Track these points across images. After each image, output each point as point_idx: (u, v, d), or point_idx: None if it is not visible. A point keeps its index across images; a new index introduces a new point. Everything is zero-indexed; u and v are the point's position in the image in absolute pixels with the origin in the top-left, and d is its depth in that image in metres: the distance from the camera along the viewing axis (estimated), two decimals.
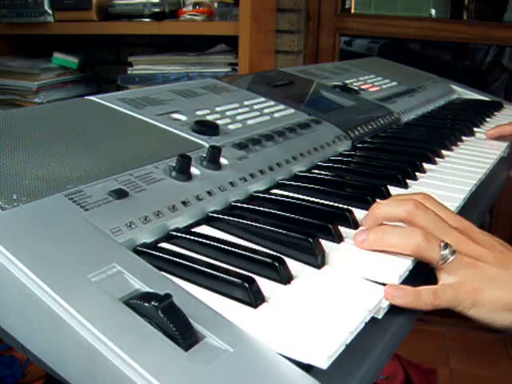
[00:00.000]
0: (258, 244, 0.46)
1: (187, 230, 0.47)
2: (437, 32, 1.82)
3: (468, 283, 0.45)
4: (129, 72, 1.58)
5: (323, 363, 0.32)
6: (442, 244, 0.44)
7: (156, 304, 0.32)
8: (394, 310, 0.41)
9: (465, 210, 0.60)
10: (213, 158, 0.55)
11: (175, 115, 0.64)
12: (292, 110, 0.78)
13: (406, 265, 0.44)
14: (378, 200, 0.55)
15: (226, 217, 0.49)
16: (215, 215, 0.50)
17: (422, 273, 0.45)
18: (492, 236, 0.50)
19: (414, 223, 0.47)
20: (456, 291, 0.44)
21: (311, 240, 0.44)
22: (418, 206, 0.47)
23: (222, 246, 0.43)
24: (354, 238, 0.47)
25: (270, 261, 0.41)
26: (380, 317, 0.39)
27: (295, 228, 0.46)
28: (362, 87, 1.03)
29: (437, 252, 0.44)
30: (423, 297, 0.42)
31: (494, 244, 0.48)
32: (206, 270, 0.39)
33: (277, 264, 0.40)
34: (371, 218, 0.49)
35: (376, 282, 0.41)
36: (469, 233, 0.48)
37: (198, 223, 0.49)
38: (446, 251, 0.44)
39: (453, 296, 0.44)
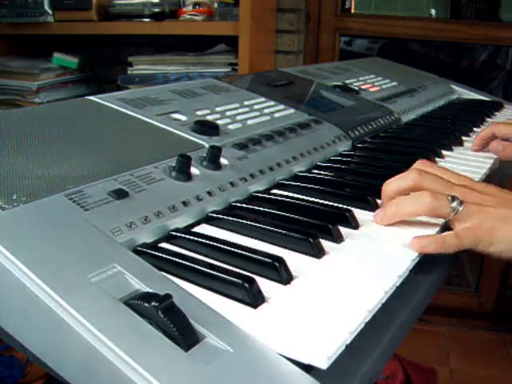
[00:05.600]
0: (258, 244, 0.46)
1: (187, 230, 0.47)
2: (437, 32, 1.82)
3: (482, 225, 0.49)
4: (129, 72, 1.58)
5: (323, 363, 0.32)
6: (450, 197, 0.49)
7: (156, 304, 0.32)
8: (393, 308, 0.40)
9: None
10: (213, 158, 0.55)
11: (175, 115, 0.64)
12: (292, 110, 0.78)
13: (407, 264, 0.44)
14: (377, 200, 0.56)
15: (226, 217, 0.49)
16: (215, 215, 0.50)
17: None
18: (492, 185, 0.55)
19: (421, 188, 0.52)
20: (474, 232, 0.49)
21: (311, 240, 0.44)
22: (420, 173, 0.53)
23: (222, 246, 0.43)
24: (374, 217, 0.52)
25: (270, 261, 0.41)
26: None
27: (295, 228, 0.46)
28: (362, 87, 1.03)
29: (447, 206, 0.49)
30: (448, 241, 0.48)
31: (495, 191, 0.53)
32: (206, 270, 0.39)
33: (277, 264, 0.40)
34: (384, 197, 0.54)
35: (376, 282, 0.41)
36: (471, 186, 0.54)
37: (198, 223, 0.49)
38: (455, 203, 0.49)
39: (472, 236, 0.49)
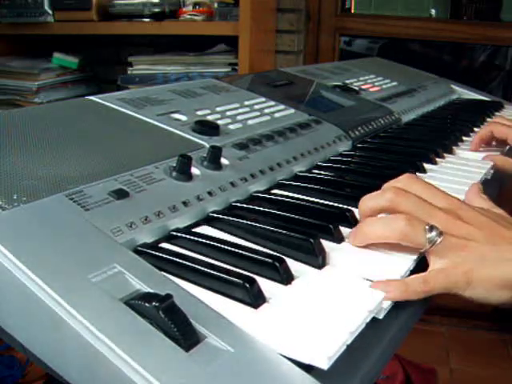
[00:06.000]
0: (259, 244, 0.46)
1: (188, 230, 0.47)
2: (437, 32, 1.82)
3: (459, 265, 0.44)
4: (129, 72, 1.58)
5: (324, 364, 0.32)
6: (427, 227, 0.44)
7: (157, 304, 0.32)
8: (394, 310, 0.40)
9: None
10: (213, 158, 0.55)
11: (175, 115, 0.64)
12: (292, 110, 0.78)
13: (408, 264, 0.44)
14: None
15: (226, 217, 0.49)
16: (216, 215, 0.50)
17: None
18: (482, 210, 0.49)
19: (397, 210, 0.47)
20: (447, 275, 0.43)
21: (312, 240, 0.44)
22: (397, 193, 0.47)
23: (223, 246, 0.43)
24: (348, 238, 0.48)
25: (270, 261, 0.41)
26: (381, 317, 0.39)
27: (296, 228, 0.46)
28: (362, 87, 1.03)
29: (422, 235, 0.44)
30: (412, 286, 0.42)
31: (482, 221, 0.47)
32: (206, 270, 0.39)
33: (277, 264, 0.40)
34: (360, 215, 0.50)
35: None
36: (456, 212, 0.47)
37: (198, 223, 0.49)
38: (433, 233, 0.44)
39: (445, 280, 0.43)
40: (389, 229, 0.45)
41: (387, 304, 0.40)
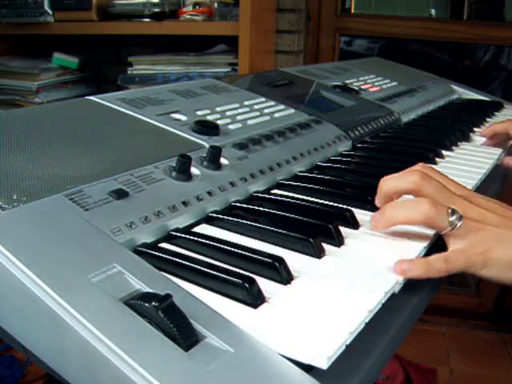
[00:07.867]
0: (259, 244, 0.46)
1: (187, 230, 0.47)
2: (437, 32, 1.82)
3: (477, 245, 0.46)
4: (129, 72, 1.58)
5: (323, 363, 0.32)
6: (450, 210, 0.46)
7: (156, 304, 0.32)
8: (394, 309, 0.40)
9: None
10: (213, 158, 0.55)
11: (175, 115, 0.64)
12: (292, 110, 0.78)
13: None
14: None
15: (226, 217, 0.49)
16: (215, 215, 0.50)
17: None
18: (492, 200, 0.52)
19: (421, 194, 0.49)
20: (467, 254, 0.46)
21: (312, 240, 0.44)
22: (423, 177, 0.49)
23: (223, 246, 0.43)
24: (370, 221, 0.49)
25: (270, 261, 0.41)
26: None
27: (295, 228, 0.46)
28: (362, 87, 1.03)
29: (445, 219, 0.46)
30: (435, 265, 0.44)
31: (496, 207, 0.50)
32: (206, 270, 0.39)
33: (277, 264, 0.40)
34: (381, 196, 0.52)
35: (376, 282, 0.42)
36: (471, 199, 0.51)
37: (198, 223, 0.49)
38: (454, 217, 0.46)
39: (464, 259, 0.46)
40: (414, 212, 0.46)
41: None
